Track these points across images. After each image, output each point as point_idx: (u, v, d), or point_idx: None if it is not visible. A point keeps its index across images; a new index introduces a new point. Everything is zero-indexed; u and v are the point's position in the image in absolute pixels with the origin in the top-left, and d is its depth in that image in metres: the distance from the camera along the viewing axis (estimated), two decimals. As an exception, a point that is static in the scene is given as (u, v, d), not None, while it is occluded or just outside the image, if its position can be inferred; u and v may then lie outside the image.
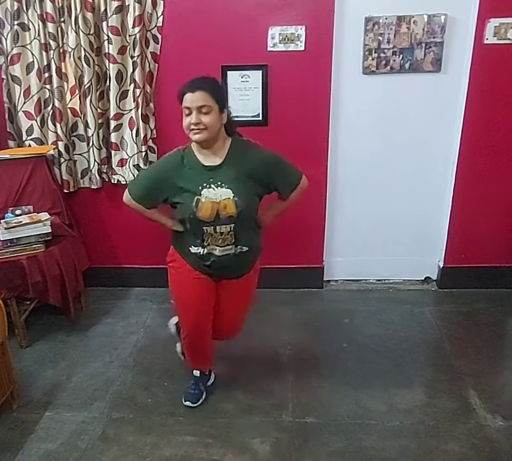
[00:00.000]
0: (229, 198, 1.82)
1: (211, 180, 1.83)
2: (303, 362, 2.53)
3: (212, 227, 1.86)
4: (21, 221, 2.56)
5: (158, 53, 2.77)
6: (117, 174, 2.96)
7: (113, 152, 2.92)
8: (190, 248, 1.94)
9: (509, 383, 2.36)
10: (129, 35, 2.67)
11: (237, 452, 1.99)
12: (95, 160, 2.92)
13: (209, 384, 2.35)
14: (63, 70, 2.77)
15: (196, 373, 2.28)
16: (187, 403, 2.24)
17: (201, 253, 1.92)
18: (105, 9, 2.63)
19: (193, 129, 1.77)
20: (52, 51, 2.69)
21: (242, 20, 2.69)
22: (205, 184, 1.83)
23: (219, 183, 1.83)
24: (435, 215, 3.11)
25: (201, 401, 2.26)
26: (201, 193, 1.82)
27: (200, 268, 1.98)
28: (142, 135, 2.82)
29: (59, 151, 2.87)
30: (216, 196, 1.82)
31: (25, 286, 2.53)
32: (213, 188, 1.82)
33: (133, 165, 2.92)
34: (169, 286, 2.10)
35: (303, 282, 3.23)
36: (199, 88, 1.75)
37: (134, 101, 2.78)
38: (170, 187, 1.87)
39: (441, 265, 3.20)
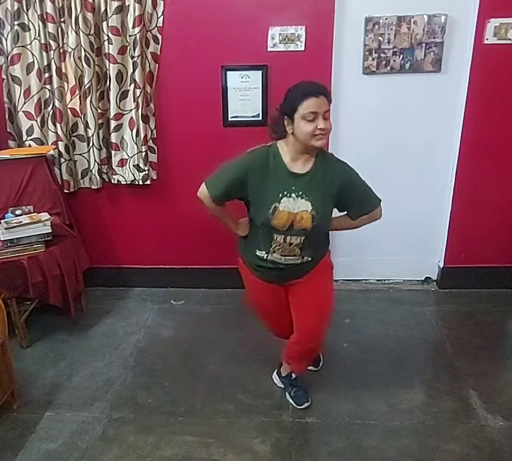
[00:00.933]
0: (307, 211, 1.78)
1: (293, 188, 1.78)
2: (303, 362, 2.54)
3: (282, 236, 1.83)
4: (21, 221, 2.56)
5: (158, 53, 2.77)
6: (117, 174, 2.96)
7: (113, 152, 2.92)
8: (255, 251, 1.91)
9: (509, 383, 2.36)
10: (129, 35, 2.67)
11: (237, 452, 1.99)
12: (95, 160, 2.92)
13: (318, 368, 2.43)
14: (63, 70, 2.77)
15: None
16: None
17: (265, 257, 1.90)
18: (105, 9, 2.63)
19: (317, 135, 1.70)
20: (52, 51, 2.69)
21: (242, 20, 2.69)
22: (286, 192, 1.77)
23: (300, 193, 1.77)
24: (435, 215, 3.11)
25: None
26: (281, 201, 1.77)
27: (259, 273, 1.97)
28: (142, 135, 2.82)
29: (59, 151, 2.87)
30: (295, 206, 1.78)
31: (25, 286, 2.53)
32: (293, 198, 1.77)
33: (133, 165, 2.92)
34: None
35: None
36: (322, 93, 1.70)
37: (134, 101, 2.78)
38: (251, 187, 1.80)
39: (441, 265, 3.20)
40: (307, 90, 1.69)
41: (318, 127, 1.69)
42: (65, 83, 2.80)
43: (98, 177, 2.97)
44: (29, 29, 2.69)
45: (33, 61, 2.74)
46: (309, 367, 2.35)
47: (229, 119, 2.86)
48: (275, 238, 1.83)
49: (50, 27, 2.65)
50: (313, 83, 1.74)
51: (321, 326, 2.06)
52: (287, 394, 2.27)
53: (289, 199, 1.77)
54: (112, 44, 2.67)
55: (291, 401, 2.24)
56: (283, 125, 1.76)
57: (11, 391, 2.20)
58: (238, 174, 1.81)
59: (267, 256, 1.89)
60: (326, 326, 2.09)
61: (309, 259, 1.92)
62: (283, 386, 2.32)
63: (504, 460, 1.93)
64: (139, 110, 2.77)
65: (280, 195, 1.77)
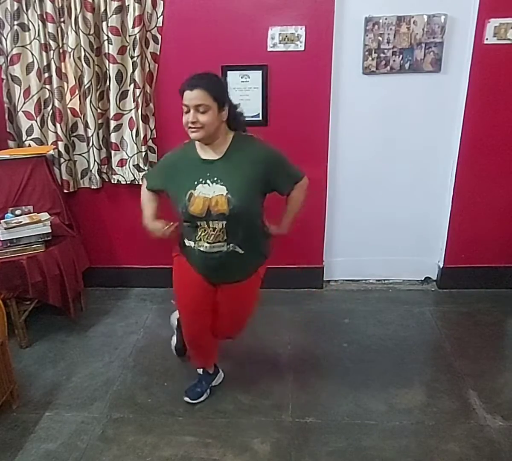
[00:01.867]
0: (222, 195, 1.78)
1: (208, 174, 1.81)
2: (303, 362, 2.53)
3: (205, 222, 1.83)
4: (21, 221, 2.56)
5: (158, 53, 2.77)
6: (117, 174, 2.96)
7: (113, 152, 2.92)
8: (185, 241, 1.94)
9: (509, 383, 2.36)
10: (129, 35, 2.67)
11: (237, 452, 1.99)
12: (95, 160, 2.92)
13: (215, 384, 2.34)
14: (63, 70, 2.77)
15: (200, 371, 2.31)
16: (186, 398, 2.26)
17: (193, 247, 1.90)
18: (105, 9, 2.63)
19: (190, 127, 1.75)
20: (52, 51, 2.69)
21: (242, 20, 2.69)
22: (201, 179, 1.81)
23: (214, 178, 1.80)
24: (435, 215, 3.11)
25: (201, 399, 2.27)
26: (196, 187, 1.81)
27: (197, 267, 1.97)
28: (142, 135, 2.82)
29: (59, 151, 2.87)
30: (210, 192, 1.80)
31: (25, 286, 2.53)
32: (208, 184, 1.80)
33: (133, 165, 2.92)
34: (173, 279, 2.11)
35: (303, 282, 3.23)
36: (197, 86, 1.72)
37: (134, 101, 2.78)
38: (170, 179, 1.89)
39: (441, 265, 3.20)
40: (186, 82, 1.75)
41: (188, 120, 1.74)
42: (65, 83, 2.80)
43: (98, 177, 2.97)
44: (29, 29, 2.69)
45: (33, 61, 2.74)
46: (185, 398, 2.27)
47: (229, 119, 2.86)
48: (199, 224, 1.85)
49: (50, 27, 2.65)
50: (197, 75, 1.78)
51: (237, 333, 2.23)
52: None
53: (204, 185, 1.81)
54: (112, 44, 2.67)
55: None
56: None
57: (11, 391, 2.20)
58: (161, 164, 2.02)
59: (194, 245, 1.89)
60: (244, 326, 2.20)
61: (240, 250, 1.89)
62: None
63: (503, 460, 1.93)
64: (139, 110, 2.77)
65: (195, 182, 1.81)
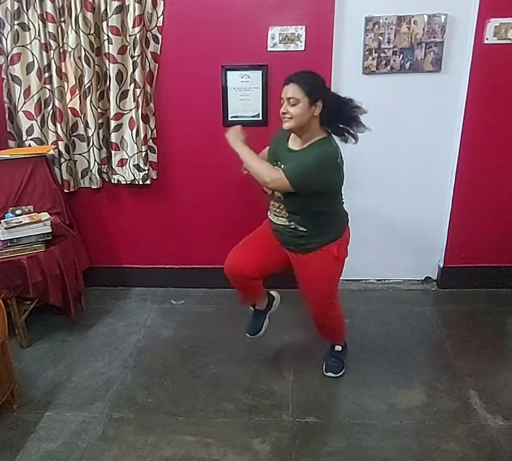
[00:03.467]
0: None
1: (281, 160, 2.04)
2: (303, 362, 2.54)
3: (273, 198, 2.10)
4: (21, 221, 2.56)
5: (158, 53, 2.77)
6: (117, 174, 2.96)
7: (113, 152, 2.92)
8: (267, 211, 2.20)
9: (509, 383, 2.36)
10: (129, 35, 2.67)
11: (237, 452, 1.99)
12: (95, 160, 2.92)
13: (273, 309, 2.54)
14: (63, 70, 2.76)
15: (251, 308, 2.49)
16: (247, 334, 2.48)
17: (268, 215, 2.21)
18: (105, 9, 2.63)
19: (283, 118, 1.95)
20: (52, 51, 2.69)
21: (242, 20, 2.69)
22: (278, 162, 2.05)
23: (285, 164, 2.00)
24: (435, 215, 3.11)
25: (260, 333, 2.48)
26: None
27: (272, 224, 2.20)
28: (142, 135, 2.82)
29: (59, 151, 2.87)
30: None
31: (25, 286, 2.53)
32: (279, 167, 2.01)
33: (133, 165, 2.92)
34: None
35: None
36: (292, 81, 1.92)
37: (134, 101, 2.78)
38: (269, 154, 2.16)
39: (441, 265, 3.20)
40: (285, 78, 1.95)
41: (281, 111, 1.95)
42: (65, 83, 2.80)
43: (98, 177, 2.97)
44: (29, 29, 2.69)
45: (33, 61, 2.74)
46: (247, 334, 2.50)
47: (229, 119, 2.86)
48: (271, 200, 2.12)
49: (50, 26, 2.65)
50: (298, 72, 1.97)
51: (317, 306, 2.28)
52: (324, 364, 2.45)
53: (276, 167, 2.03)
54: (112, 44, 2.67)
55: (342, 369, 2.43)
56: None
57: (11, 391, 2.20)
58: (270, 145, 2.20)
59: (268, 214, 2.20)
60: (326, 303, 2.27)
61: (302, 228, 2.08)
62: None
63: (504, 460, 1.93)
64: (139, 110, 2.77)
65: (274, 163, 2.05)
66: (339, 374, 2.41)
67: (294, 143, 2.04)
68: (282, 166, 2.00)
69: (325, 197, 2.05)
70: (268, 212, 2.20)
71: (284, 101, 1.93)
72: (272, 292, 2.56)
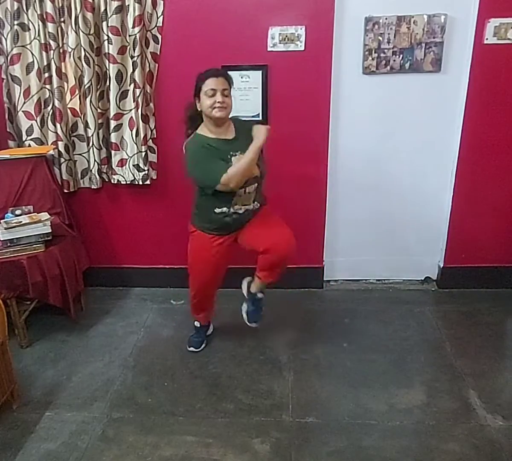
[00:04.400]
0: None
1: (234, 149, 2.16)
2: (303, 362, 2.54)
3: (242, 189, 2.19)
4: (21, 221, 2.56)
5: (158, 53, 2.77)
6: (117, 174, 2.96)
7: (113, 152, 2.92)
8: (214, 210, 2.24)
9: (509, 383, 2.36)
10: (129, 35, 2.67)
11: (237, 452, 1.99)
12: (95, 160, 2.92)
13: (208, 333, 2.74)
14: (63, 70, 2.77)
15: (197, 324, 2.67)
16: (191, 348, 2.63)
17: (227, 212, 2.24)
18: (105, 9, 2.63)
19: (217, 107, 2.10)
20: (52, 51, 2.69)
21: (242, 20, 2.69)
22: (231, 154, 2.15)
23: (239, 151, 2.14)
24: (435, 215, 3.11)
25: (203, 346, 2.65)
26: (231, 161, 2.14)
27: (220, 230, 2.30)
28: (142, 135, 2.82)
29: (59, 151, 2.87)
30: None
31: (25, 286, 2.53)
32: (237, 156, 2.15)
33: (133, 165, 2.92)
34: (188, 252, 2.46)
35: (303, 282, 3.23)
36: (221, 75, 2.13)
37: (134, 101, 2.78)
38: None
39: (441, 265, 3.20)
40: (208, 73, 2.13)
41: (217, 100, 2.09)
42: (65, 83, 2.80)
43: (98, 177, 2.97)
44: (29, 29, 2.69)
45: (33, 61, 2.74)
46: (189, 348, 2.65)
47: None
48: (236, 193, 2.19)
49: (50, 27, 2.65)
50: (215, 68, 2.20)
51: (286, 233, 2.27)
52: (242, 308, 2.54)
53: (236, 158, 2.15)
54: (112, 44, 2.67)
55: (244, 316, 2.53)
56: (196, 107, 2.19)
57: (11, 391, 2.20)
58: (203, 154, 2.17)
59: (230, 210, 2.24)
60: (293, 240, 2.26)
61: (258, 205, 2.32)
62: (245, 296, 2.51)
63: (504, 460, 1.93)
64: (139, 110, 2.77)
65: (229, 157, 2.15)
66: (259, 322, 2.54)
67: (225, 134, 2.21)
68: (240, 152, 2.14)
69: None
70: (225, 210, 2.24)
71: (217, 92, 2.09)
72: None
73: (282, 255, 2.24)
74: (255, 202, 2.30)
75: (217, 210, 2.24)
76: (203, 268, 2.42)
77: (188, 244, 2.45)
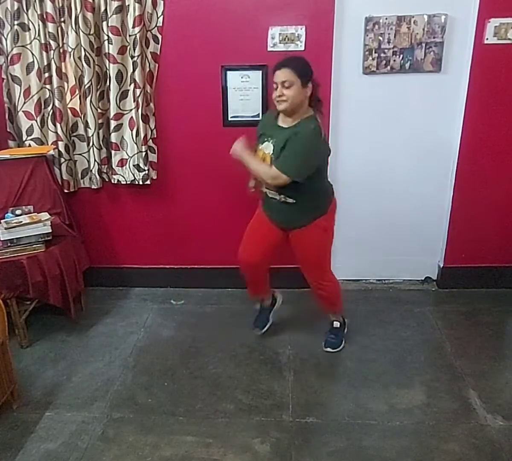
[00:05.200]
0: (269, 153, 2.19)
1: (272, 135, 2.20)
2: (303, 362, 2.54)
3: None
4: (21, 221, 2.56)
5: (158, 53, 2.77)
6: (117, 174, 2.96)
7: (113, 152, 2.92)
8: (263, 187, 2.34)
9: (509, 383, 2.36)
10: (129, 35, 2.67)
11: (237, 452, 1.99)
12: (95, 160, 2.92)
13: (275, 308, 2.78)
14: (63, 70, 2.76)
15: (257, 306, 2.77)
16: (255, 330, 2.71)
17: (264, 191, 2.34)
18: (105, 9, 2.63)
19: (277, 101, 2.12)
20: (52, 51, 2.69)
21: (242, 20, 2.69)
22: (268, 138, 2.22)
23: (274, 140, 2.18)
24: (435, 215, 3.11)
25: (267, 327, 2.73)
26: (263, 143, 2.23)
27: (266, 210, 2.40)
28: (142, 135, 2.82)
29: (59, 151, 2.87)
30: (267, 149, 2.20)
31: (25, 286, 2.53)
32: (269, 142, 2.20)
33: (133, 165, 2.91)
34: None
35: (303, 282, 3.21)
36: (284, 65, 2.07)
37: (134, 101, 2.78)
38: (258, 134, 2.32)
39: (441, 265, 3.20)
40: (276, 64, 2.11)
41: (277, 94, 2.10)
42: (65, 83, 2.80)
43: (98, 177, 2.97)
44: (29, 29, 2.69)
45: (33, 61, 2.74)
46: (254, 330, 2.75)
47: (229, 119, 2.86)
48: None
49: (50, 27, 2.65)
50: (287, 57, 2.14)
51: (312, 275, 2.46)
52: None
53: (268, 143, 2.21)
54: (112, 44, 2.67)
55: (340, 345, 2.62)
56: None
57: (11, 391, 2.20)
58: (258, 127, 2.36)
59: (266, 191, 2.32)
60: (319, 273, 2.47)
61: (291, 200, 2.25)
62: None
63: (504, 460, 1.93)
64: (139, 110, 2.77)
65: (265, 139, 2.23)
66: (337, 349, 2.60)
67: (283, 123, 2.21)
68: (271, 140, 2.19)
69: (312, 174, 2.18)
70: (265, 190, 2.32)
71: (278, 85, 2.08)
72: (276, 293, 2.79)
73: (316, 293, 2.53)
74: (282, 195, 2.25)
75: (263, 189, 2.35)
76: (245, 236, 2.52)
77: None
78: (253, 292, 2.70)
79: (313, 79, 2.12)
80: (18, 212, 2.66)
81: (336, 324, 2.65)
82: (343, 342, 2.64)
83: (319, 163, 2.20)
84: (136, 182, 2.96)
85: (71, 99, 2.84)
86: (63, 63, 2.75)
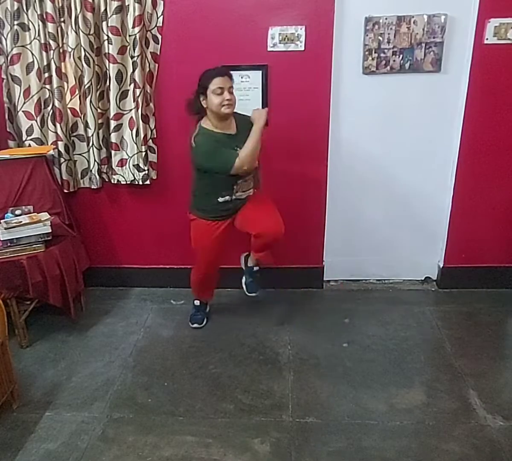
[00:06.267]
0: None
1: (237, 143, 2.35)
2: (303, 362, 2.54)
3: (244, 178, 2.45)
4: (21, 221, 2.56)
5: (158, 53, 2.77)
6: (117, 174, 2.96)
7: (113, 152, 2.92)
8: (217, 199, 2.47)
9: (509, 383, 2.36)
10: (129, 35, 2.67)
11: (237, 452, 1.99)
12: (95, 160, 2.92)
13: (206, 310, 2.94)
14: (63, 70, 2.76)
15: (197, 302, 2.88)
16: (195, 325, 2.83)
17: (229, 199, 2.47)
18: (105, 9, 2.63)
19: (226, 104, 2.28)
20: (52, 51, 2.69)
21: (242, 20, 2.69)
22: (235, 147, 2.34)
23: (243, 144, 2.33)
24: (435, 215, 3.11)
25: (205, 323, 2.86)
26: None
27: (221, 217, 2.52)
28: (142, 135, 2.82)
29: (59, 151, 2.87)
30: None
31: (25, 286, 2.53)
32: (240, 149, 2.34)
33: (133, 165, 2.91)
34: (191, 238, 2.66)
35: (303, 282, 3.23)
36: (226, 73, 2.30)
37: (134, 101, 2.78)
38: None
39: (441, 265, 3.20)
40: (214, 72, 2.29)
41: (225, 98, 2.28)
42: (65, 83, 2.80)
43: (98, 177, 2.97)
44: (29, 29, 2.69)
45: (33, 61, 2.74)
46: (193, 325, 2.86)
47: (229, 119, 2.86)
48: (237, 182, 2.44)
49: (50, 27, 2.65)
50: (220, 67, 2.39)
51: (278, 226, 2.46)
52: (243, 280, 2.82)
53: (240, 151, 2.34)
54: (112, 44, 2.67)
55: (244, 287, 2.80)
56: (200, 103, 2.34)
57: (11, 391, 2.20)
58: (214, 145, 2.37)
59: (232, 198, 2.47)
60: (282, 223, 2.48)
61: (255, 189, 2.56)
62: (243, 269, 2.83)
63: (503, 460, 1.93)
64: (139, 110, 2.77)
65: (235, 149, 2.34)
66: (258, 292, 2.78)
67: (229, 129, 2.40)
68: (240, 145, 2.35)
69: None
70: (228, 198, 2.47)
71: (225, 90, 2.27)
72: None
73: (272, 239, 2.46)
74: (252, 188, 2.52)
75: (221, 199, 2.47)
76: (207, 252, 2.63)
77: (190, 231, 2.66)
78: (210, 294, 2.89)
79: None
80: (18, 212, 2.66)
81: (257, 268, 2.77)
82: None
83: None
84: (136, 182, 2.96)
85: (71, 99, 2.84)
86: (63, 63, 2.75)
